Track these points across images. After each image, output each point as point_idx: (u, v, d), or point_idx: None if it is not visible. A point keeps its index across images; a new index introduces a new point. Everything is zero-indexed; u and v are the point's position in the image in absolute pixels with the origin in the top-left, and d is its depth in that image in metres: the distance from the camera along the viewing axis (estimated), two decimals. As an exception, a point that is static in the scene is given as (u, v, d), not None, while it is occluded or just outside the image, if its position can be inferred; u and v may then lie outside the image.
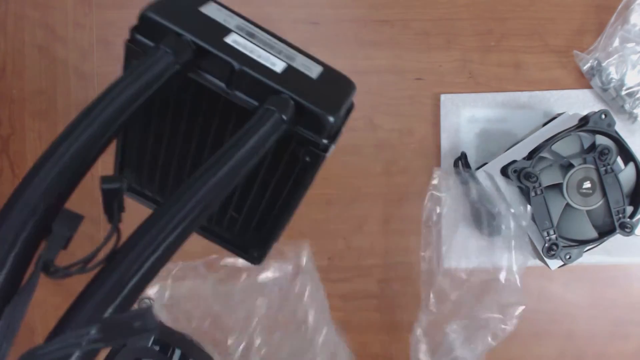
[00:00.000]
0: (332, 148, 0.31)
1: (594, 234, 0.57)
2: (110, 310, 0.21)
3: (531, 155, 0.56)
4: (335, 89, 0.32)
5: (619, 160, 0.58)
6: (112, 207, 0.26)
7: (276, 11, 0.65)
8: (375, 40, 0.65)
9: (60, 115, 0.65)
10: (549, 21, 0.65)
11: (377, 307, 0.66)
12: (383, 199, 0.65)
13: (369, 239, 0.65)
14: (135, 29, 0.30)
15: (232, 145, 0.26)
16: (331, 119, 0.29)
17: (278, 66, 0.30)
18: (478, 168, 0.62)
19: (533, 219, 0.57)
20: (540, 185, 0.55)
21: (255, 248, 0.41)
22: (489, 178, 0.59)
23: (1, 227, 0.22)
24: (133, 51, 0.30)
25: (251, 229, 0.41)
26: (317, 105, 0.29)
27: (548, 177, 0.56)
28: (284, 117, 0.28)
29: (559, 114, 0.61)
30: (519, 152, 0.57)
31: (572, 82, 0.65)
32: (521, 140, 0.59)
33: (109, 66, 0.65)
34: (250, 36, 0.31)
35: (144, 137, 0.37)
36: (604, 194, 0.56)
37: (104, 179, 0.26)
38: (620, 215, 0.56)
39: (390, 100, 0.65)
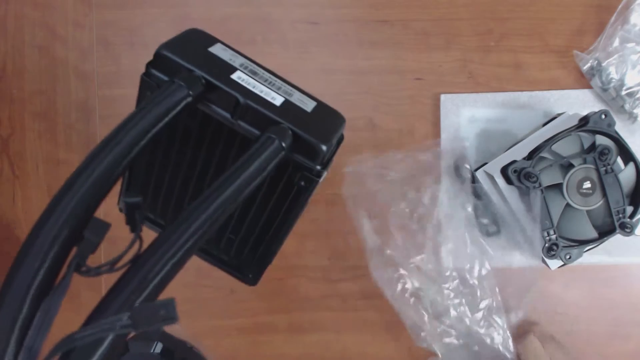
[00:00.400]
0: (325, 174, 0.34)
1: (594, 234, 0.57)
2: (145, 292, 0.25)
3: (531, 155, 0.56)
4: (327, 121, 0.36)
5: (619, 160, 0.58)
6: (134, 218, 0.30)
7: (276, 11, 0.65)
8: (375, 40, 0.65)
9: (60, 115, 0.65)
10: (549, 21, 0.65)
11: (377, 307, 0.66)
12: (383, 199, 0.65)
13: (369, 239, 0.65)
14: (150, 64, 0.33)
15: (238, 166, 0.30)
16: (324, 147, 0.33)
17: (277, 100, 0.34)
18: (478, 168, 0.62)
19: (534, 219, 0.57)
20: (540, 185, 0.55)
21: (250, 269, 0.44)
22: (489, 178, 0.60)
23: (40, 232, 0.25)
24: (147, 84, 0.33)
25: (247, 250, 0.43)
26: (312, 135, 0.33)
27: (548, 177, 0.56)
28: (283, 144, 0.31)
29: (559, 114, 0.61)
30: (519, 152, 0.57)
31: (572, 82, 0.65)
32: (521, 140, 0.59)
33: (109, 66, 0.65)
34: (252, 74, 0.35)
35: (151, 162, 0.39)
36: (604, 194, 0.56)
37: (127, 194, 0.30)
38: (621, 215, 0.56)
39: (390, 100, 0.65)
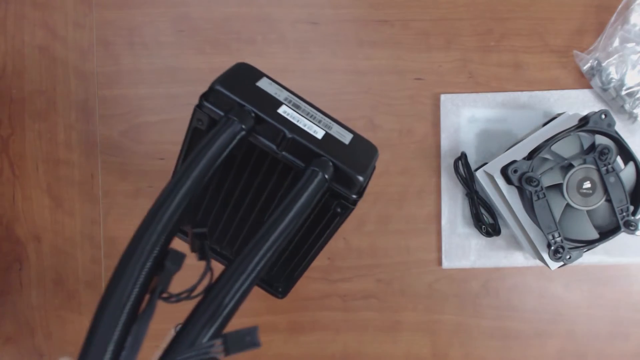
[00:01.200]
0: (359, 201, 0.37)
1: (594, 234, 0.57)
2: (213, 329, 0.28)
3: (531, 155, 0.56)
4: (363, 153, 0.39)
5: (619, 159, 0.58)
6: (203, 247, 0.33)
7: (276, 11, 0.65)
8: (375, 40, 0.65)
9: (60, 115, 0.65)
10: (549, 21, 0.65)
11: (377, 307, 0.66)
12: (383, 199, 0.65)
13: (369, 239, 0.65)
14: (204, 97, 0.36)
15: (289, 200, 0.32)
16: (361, 178, 0.36)
17: (319, 134, 0.36)
18: (478, 168, 0.62)
19: (535, 220, 0.57)
20: (542, 189, 0.55)
21: (280, 283, 0.47)
22: (489, 178, 0.60)
23: (129, 263, 0.28)
24: (199, 114, 0.36)
25: (277, 266, 0.46)
26: (350, 167, 0.36)
27: (548, 178, 0.56)
28: (326, 176, 0.34)
29: (559, 114, 0.61)
30: (519, 152, 0.57)
31: (572, 82, 0.65)
32: (521, 140, 0.59)
33: (109, 66, 0.65)
34: (296, 107, 0.37)
35: None
36: (605, 194, 0.56)
37: (194, 225, 0.34)
38: (624, 214, 0.56)
39: (390, 100, 0.65)
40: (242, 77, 0.38)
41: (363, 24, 0.65)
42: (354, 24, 0.65)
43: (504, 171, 0.56)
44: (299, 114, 0.37)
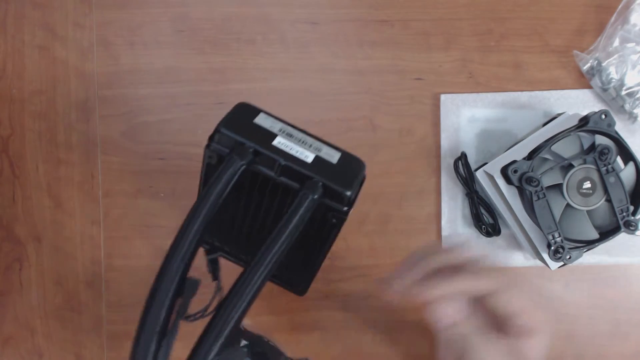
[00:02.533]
0: (350, 211, 0.43)
1: (594, 234, 0.57)
2: (218, 344, 0.34)
3: (531, 155, 0.56)
4: (350, 169, 0.44)
5: (619, 160, 0.58)
6: (215, 270, 0.44)
7: (276, 11, 0.65)
8: (375, 40, 0.65)
9: (60, 115, 0.65)
10: (549, 21, 0.65)
11: (377, 307, 0.66)
12: (383, 199, 0.65)
13: (369, 239, 0.65)
14: (211, 138, 0.42)
15: (284, 222, 0.39)
16: (348, 193, 0.41)
17: (309, 157, 0.42)
18: (478, 168, 0.62)
19: (535, 220, 0.57)
20: (542, 189, 0.55)
21: (299, 282, 0.56)
22: (489, 178, 0.60)
23: (157, 293, 0.35)
24: (208, 152, 0.43)
25: (295, 269, 0.54)
26: (338, 184, 0.41)
27: (548, 178, 0.56)
28: (316, 196, 0.40)
29: (559, 114, 0.61)
30: (519, 152, 0.57)
31: (572, 82, 0.65)
32: (521, 140, 0.59)
33: (109, 66, 0.65)
34: (289, 136, 0.43)
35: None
36: (605, 194, 0.56)
37: (208, 252, 0.46)
38: (625, 214, 0.56)
39: (390, 100, 0.65)
40: (242, 116, 0.44)
41: (363, 24, 0.65)
42: (354, 24, 0.65)
43: (504, 171, 0.56)
44: (292, 142, 0.43)
